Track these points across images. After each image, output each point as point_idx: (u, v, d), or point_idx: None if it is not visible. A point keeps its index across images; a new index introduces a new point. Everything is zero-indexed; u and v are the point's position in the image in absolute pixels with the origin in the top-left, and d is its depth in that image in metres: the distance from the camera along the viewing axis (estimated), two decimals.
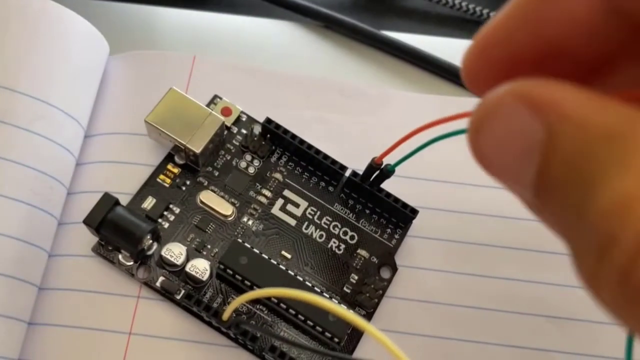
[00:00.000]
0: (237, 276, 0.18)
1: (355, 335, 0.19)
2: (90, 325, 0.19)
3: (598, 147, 0.08)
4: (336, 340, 0.18)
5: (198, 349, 0.19)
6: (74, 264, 0.20)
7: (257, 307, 0.19)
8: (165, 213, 0.20)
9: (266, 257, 0.19)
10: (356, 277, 0.20)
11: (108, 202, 0.18)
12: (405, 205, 0.20)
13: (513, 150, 0.09)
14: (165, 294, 0.19)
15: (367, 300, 0.20)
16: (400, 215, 0.21)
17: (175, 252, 0.19)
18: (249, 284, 0.19)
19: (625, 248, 0.08)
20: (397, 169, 0.19)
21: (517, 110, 0.09)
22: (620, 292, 0.08)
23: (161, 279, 0.19)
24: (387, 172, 0.19)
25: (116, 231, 0.18)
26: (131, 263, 0.19)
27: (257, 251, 0.19)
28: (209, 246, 0.20)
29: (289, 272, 0.19)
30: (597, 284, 0.08)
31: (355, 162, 0.21)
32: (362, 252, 0.21)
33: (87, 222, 0.18)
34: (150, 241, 0.19)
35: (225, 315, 0.17)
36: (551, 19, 0.10)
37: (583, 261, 0.08)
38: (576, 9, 0.10)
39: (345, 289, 0.20)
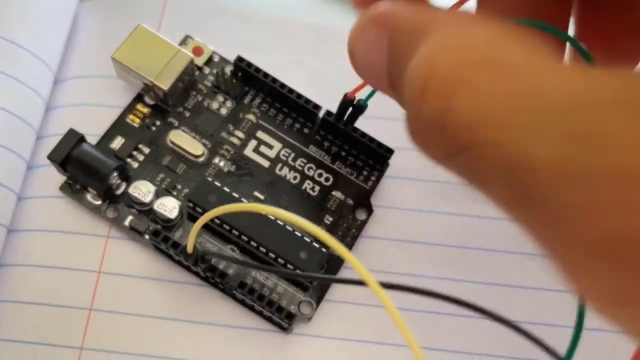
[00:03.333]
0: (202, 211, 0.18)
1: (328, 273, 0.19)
2: (60, 264, 0.19)
3: (412, 36, 0.11)
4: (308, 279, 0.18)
5: (168, 288, 0.19)
6: (42, 205, 0.19)
7: (230, 247, 0.19)
8: (135, 153, 0.20)
9: (237, 195, 0.18)
10: (331, 219, 0.20)
11: (73, 137, 0.18)
12: (380, 144, 0.20)
13: (374, 58, 0.12)
14: (134, 233, 0.19)
15: (341, 240, 0.19)
16: (376, 156, 0.20)
17: (143, 190, 0.19)
18: (218, 222, 0.18)
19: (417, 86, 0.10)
20: (374, 110, 0.19)
21: (370, 29, 0.12)
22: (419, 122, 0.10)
23: (130, 218, 0.19)
24: (360, 107, 0.19)
25: (82, 168, 0.18)
26: (99, 202, 0.19)
27: (228, 190, 0.18)
28: (179, 187, 0.19)
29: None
30: (414, 131, 0.11)
31: (331, 104, 0.21)
32: (337, 194, 0.20)
33: (51, 157, 0.18)
34: (119, 180, 0.19)
35: (189, 247, 0.16)
36: None
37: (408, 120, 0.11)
38: None
39: None
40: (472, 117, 0.09)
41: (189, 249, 0.16)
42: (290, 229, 0.18)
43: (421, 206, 0.21)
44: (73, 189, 0.19)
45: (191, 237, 0.16)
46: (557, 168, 0.08)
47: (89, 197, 0.19)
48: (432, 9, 0.11)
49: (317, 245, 0.18)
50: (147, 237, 0.19)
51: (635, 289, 0.08)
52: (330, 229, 0.20)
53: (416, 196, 0.21)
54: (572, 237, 0.08)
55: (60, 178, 0.19)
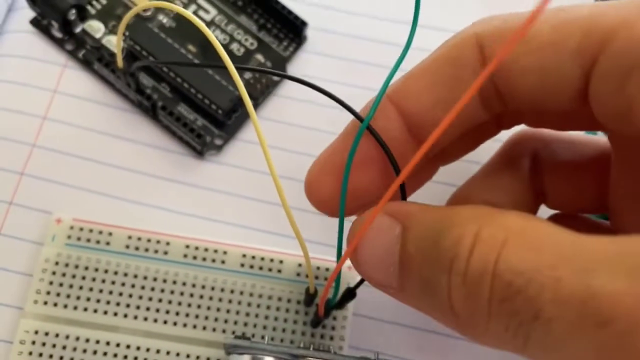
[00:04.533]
0: (143, 52, 0.22)
1: (241, 119, 0.24)
2: (16, 80, 0.23)
3: (436, 224, 0.13)
4: (220, 111, 0.22)
5: (108, 111, 0.23)
6: (16, 37, 0.24)
7: (163, 85, 0.23)
8: (94, 2, 0.24)
9: (170, 41, 0.23)
10: (250, 74, 0.24)
11: None
12: (296, 17, 0.24)
13: (382, 247, 0.14)
14: (86, 63, 0.23)
15: (255, 90, 0.24)
16: (293, 28, 0.24)
17: (95, 27, 0.23)
18: (151, 58, 0.23)
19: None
20: None
21: (380, 217, 0.14)
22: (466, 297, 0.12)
23: (84, 51, 0.23)
24: None
25: (46, 3, 0.22)
26: (60, 36, 0.23)
27: (163, 35, 0.23)
28: (127, 33, 0.24)
29: (189, 56, 0.23)
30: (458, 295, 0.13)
31: None
32: (259, 57, 0.24)
33: None
34: (78, 20, 0.23)
35: (119, 62, 0.21)
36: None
37: (445, 299, 0.13)
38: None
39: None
40: (526, 262, 0.11)
41: (119, 65, 0.21)
42: (211, 72, 0.23)
43: (338, 78, 0.25)
44: (41, 24, 0.23)
45: (118, 46, 0.20)
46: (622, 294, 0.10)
47: (52, 30, 0.23)
48: (443, 206, 0.15)
49: (232, 89, 0.23)
50: (95, 66, 0.23)
51: None
52: (247, 84, 0.24)
53: (334, 71, 0.25)
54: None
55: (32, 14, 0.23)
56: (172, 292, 0.20)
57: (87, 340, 0.20)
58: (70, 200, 0.22)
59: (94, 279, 0.20)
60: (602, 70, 0.14)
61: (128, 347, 0.20)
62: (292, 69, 0.25)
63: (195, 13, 0.24)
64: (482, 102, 0.16)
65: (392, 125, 0.16)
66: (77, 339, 0.20)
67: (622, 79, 0.13)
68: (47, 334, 0.20)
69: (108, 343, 0.20)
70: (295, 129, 0.24)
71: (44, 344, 0.20)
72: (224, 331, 0.20)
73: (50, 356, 0.19)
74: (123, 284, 0.20)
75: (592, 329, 0.11)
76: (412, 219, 0.14)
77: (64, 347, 0.20)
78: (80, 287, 0.20)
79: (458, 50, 0.15)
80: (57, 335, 0.20)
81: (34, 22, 0.23)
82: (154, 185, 0.23)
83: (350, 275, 0.21)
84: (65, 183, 0.22)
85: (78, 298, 0.20)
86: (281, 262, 0.21)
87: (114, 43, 0.23)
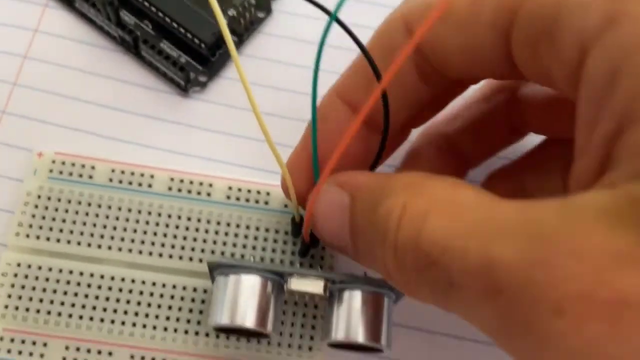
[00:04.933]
0: None
1: (225, 57, 0.23)
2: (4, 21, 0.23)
3: (375, 196, 0.14)
4: (203, 45, 0.22)
5: (92, 51, 0.23)
6: None
7: (145, 22, 0.23)
8: None
9: None
10: (234, 12, 0.24)
11: None
12: None
13: (335, 215, 0.15)
14: (67, 2, 0.23)
15: (239, 27, 0.23)
16: None
17: None
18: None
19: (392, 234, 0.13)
20: None
21: (332, 189, 0.16)
22: (397, 264, 0.13)
23: None
24: None
25: None
26: None
27: None
28: None
29: None
30: (389, 260, 0.14)
31: None
32: None
33: None
34: None
35: None
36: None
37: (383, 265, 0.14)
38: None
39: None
40: (441, 234, 0.12)
41: None
42: (194, 7, 0.22)
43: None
44: None
45: None
46: (520, 264, 0.11)
47: None
48: (385, 174, 0.16)
49: (215, 23, 0.22)
50: (77, 4, 0.23)
51: None
52: (231, 20, 0.23)
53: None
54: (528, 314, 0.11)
55: None
56: (156, 224, 0.20)
57: (71, 272, 0.19)
58: (52, 138, 0.22)
59: (76, 212, 0.20)
60: (516, 38, 0.14)
61: (112, 278, 0.19)
62: (277, 7, 0.24)
63: None
64: (424, 79, 0.16)
65: (345, 116, 0.17)
66: (60, 271, 0.19)
67: (533, 46, 0.13)
68: (29, 266, 0.19)
69: (92, 275, 0.19)
70: (280, 66, 0.24)
71: (26, 277, 0.19)
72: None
73: (33, 288, 0.19)
74: (107, 217, 0.20)
75: (492, 297, 0.11)
76: (358, 189, 0.15)
77: (47, 279, 0.19)
78: (63, 220, 0.20)
79: (388, 37, 0.16)
80: (40, 268, 0.19)
81: None
82: (138, 123, 0.22)
83: None
84: (48, 121, 0.22)
85: (61, 231, 0.20)
86: (268, 194, 0.21)
87: None
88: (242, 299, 0.17)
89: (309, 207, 0.17)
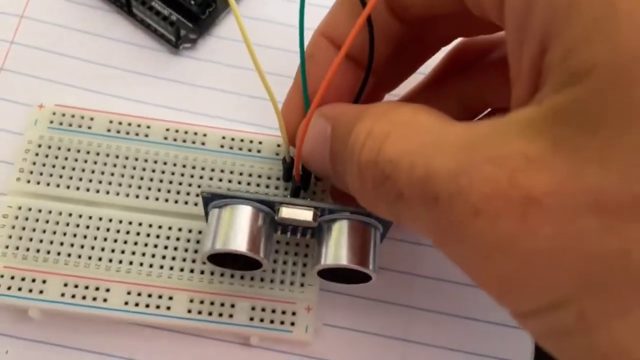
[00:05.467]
0: None
1: (215, 15, 0.24)
2: None
3: (350, 123, 0.15)
4: (193, 2, 0.23)
5: (84, 10, 0.24)
6: None
7: None
8: None
9: None
10: None
11: None
12: None
13: (319, 143, 0.17)
14: None
15: None
16: None
17: None
18: None
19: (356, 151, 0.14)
20: None
21: (318, 120, 0.17)
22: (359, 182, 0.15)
23: None
24: None
25: None
26: None
27: None
28: None
29: None
30: (355, 178, 0.15)
31: None
32: None
33: None
34: None
35: None
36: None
37: (351, 183, 0.15)
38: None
39: None
40: (395, 152, 0.13)
41: None
42: None
43: None
44: None
45: None
46: (451, 173, 0.12)
47: None
48: (363, 105, 0.16)
49: None
50: None
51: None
52: None
53: None
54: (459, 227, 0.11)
55: None
56: (153, 171, 0.21)
57: (70, 215, 0.20)
58: (49, 94, 0.22)
59: (75, 159, 0.21)
60: None
61: (110, 220, 0.20)
62: None
63: None
64: (392, 14, 0.17)
65: (331, 54, 0.18)
66: (60, 213, 0.20)
67: None
68: (30, 209, 0.20)
69: (90, 217, 0.20)
70: (273, 26, 0.25)
71: (27, 219, 0.20)
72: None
73: (34, 229, 0.20)
74: (104, 163, 0.21)
75: (430, 205, 0.12)
76: (337, 118, 0.16)
77: (47, 221, 0.20)
78: (63, 167, 0.21)
79: None
80: (40, 211, 0.20)
81: None
82: (131, 79, 0.23)
83: None
84: (44, 78, 0.23)
85: (60, 177, 0.20)
86: (260, 142, 0.22)
87: None
88: (235, 226, 0.18)
89: (298, 138, 0.18)
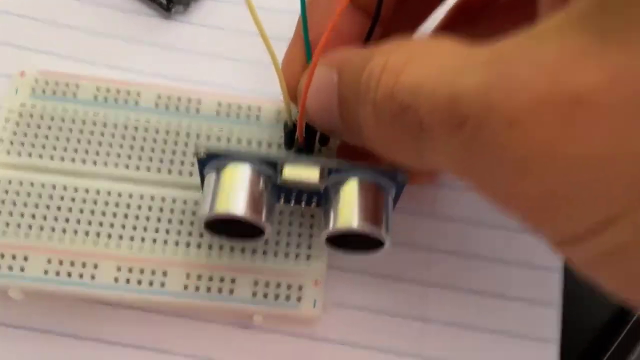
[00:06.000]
0: None
1: None
2: None
3: (360, 65, 0.14)
4: None
5: None
6: None
7: None
8: None
9: None
10: None
11: None
12: None
13: (324, 95, 0.15)
14: None
15: None
16: None
17: None
18: None
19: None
20: None
21: (322, 69, 0.15)
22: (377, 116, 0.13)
23: None
24: None
25: None
26: None
27: None
28: None
29: None
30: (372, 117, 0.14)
31: None
32: None
33: None
34: None
35: None
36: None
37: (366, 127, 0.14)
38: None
39: None
40: (413, 80, 0.12)
41: None
42: None
43: None
44: None
45: None
46: (480, 91, 0.10)
47: None
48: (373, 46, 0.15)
49: None
50: None
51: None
52: None
53: None
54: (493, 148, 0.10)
55: None
56: (143, 139, 0.19)
57: (54, 187, 0.18)
58: (31, 63, 0.21)
59: (60, 129, 0.19)
60: None
61: (98, 192, 0.18)
62: None
63: None
64: None
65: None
66: (43, 186, 0.18)
67: None
68: (10, 182, 0.18)
69: (76, 189, 0.18)
70: None
71: (6, 192, 0.18)
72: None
73: (14, 203, 0.18)
74: (91, 133, 0.19)
75: (457, 129, 0.11)
76: (344, 63, 0.15)
77: (29, 194, 0.18)
78: (46, 137, 0.19)
79: None
80: (21, 184, 0.18)
81: None
82: (121, 47, 0.22)
83: None
84: (27, 47, 0.21)
85: (43, 147, 0.19)
86: (259, 108, 0.20)
87: None
88: (234, 188, 0.16)
89: (301, 91, 0.16)
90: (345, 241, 0.17)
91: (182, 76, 0.21)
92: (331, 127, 0.16)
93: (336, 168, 0.16)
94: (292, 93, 0.17)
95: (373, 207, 0.16)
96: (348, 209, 0.16)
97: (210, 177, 0.16)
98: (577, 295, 0.21)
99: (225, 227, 0.17)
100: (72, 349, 0.18)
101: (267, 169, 0.16)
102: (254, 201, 0.16)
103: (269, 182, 0.17)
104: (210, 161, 0.16)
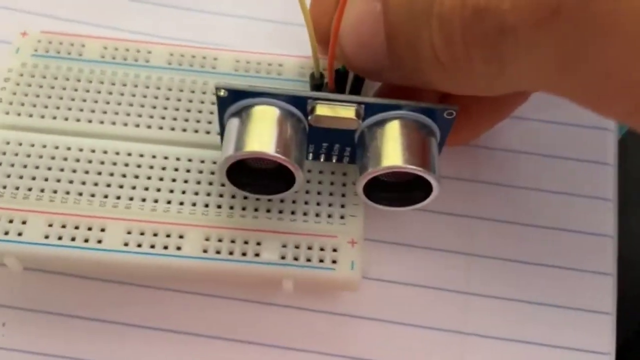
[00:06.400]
0: None
1: None
2: None
3: None
4: None
5: None
6: None
7: None
8: None
9: None
10: None
11: None
12: None
13: (365, 27, 0.14)
14: None
15: None
16: None
17: None
18: None
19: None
20: None
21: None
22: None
23: None
24: None
25: None
26: None
27: None
28: None
29: None
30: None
31: None
32: None
33: None
34: None
35: None
36: None
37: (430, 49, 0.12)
38: None
39: None
40: None
41: None
42: None
43: None
44: None
45: None
46: None
47: None
48: None
49: None
50: None
51: None
52: None
53: None
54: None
55: None
56: (155, 97, 0.17)
57: (57, 147, 0.16)
58: (33, 27, 0.19)
59: (63, 88, 0.17)
60: None
61: (105, 152, 0.17)
62: None
63: None
64: None
65: None
66: (44, 146, 0.16)
67: None
68: (8, 143, 0.16)
69: (81, 149, 0.17)
70: None
71: (4, 153, 0.16)
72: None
73: (12, 165, 0.16)
74: (98, 91, 0.17)
75: (548, 23, 0.10)
76: None
77: (29, 155, 0.16)
78: (49, 97, 0.17)
79: None
80: (20, 144, 0.16)
81: None
82: (127, 8, 0.21)
83: None
84: (26, 10, 0.20)
85: (46, 107, 0.17)
86: (280, 65, 0.18)
87: None
88: (261, 128, 0.14)
89: (334, 30, 0.14)
90: (385, 190, 0.15)
91: (195, 37, 0.20)
92: (375, 65, 0.14)
93: (374, 103, 0.14)
94: (322, 36, 0.16)
95: (419, 147, 0.14)
96: (391, 147, 0.14)
97: (233, 122, 0.15)
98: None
99: (249, 179, 0.15)
100: (75, 331, 0.16)
101: (297, 110, 0.15)
102: (284, 142, 0.14)
103: (298, 126, 0.15)
104: (233, 102, 0.15)
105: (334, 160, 0.16)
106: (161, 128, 0.17)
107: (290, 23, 0.18)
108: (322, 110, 0.14)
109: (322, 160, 0.16)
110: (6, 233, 0.15)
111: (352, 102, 0.14)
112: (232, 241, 0.16)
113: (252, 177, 0.15)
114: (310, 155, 0.16)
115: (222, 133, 0.15)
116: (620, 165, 0.19)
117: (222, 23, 0.20)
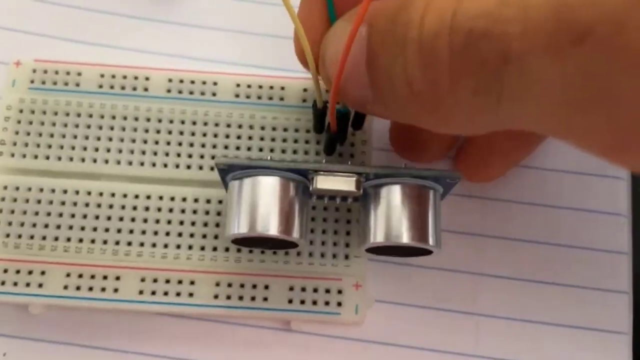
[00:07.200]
0: None
1: None
2: None
3: (394, 13, 0.12)
4: None
5: None
6: None
7: None
8: None
9: None
10: None
11: None
12: None
13: (353, 62, 0.12)
14: None
15: None
16: None
17: None
18: None
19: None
20: None
21: (344, 24, 0.13)
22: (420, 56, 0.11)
23: None
24: None
25: None
26: None
27: None
28: None
29: None
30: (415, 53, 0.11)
31: None
32: None
33: None
34: None
35: None
36: None
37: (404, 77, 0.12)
38: None
39: None
40: (483, 5, 0.10)
41: None
42: None
43: None
44: None
45: None
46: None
47: None
48: None
49: None
50: None
51: None
52: None
53: None
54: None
55: None
56: (157, 131, 0.17)
57: (65, 192, 0.17)
58: (26, 48, 0.19)
59: (65, 125, 0.17)
60: None
61: (112, 195, 0.17)
62: None
63: None
64: None
65: None
66: (53, 191, 0.17)
67: None
68: (17, 188, 0.17)
69: (89, 192, 0.17)
70: None
71: (15, 200, 0.17)
72: None
73: (24, 212, 0.17)
74: (99, 127, 0.17)
75: (569, 48, 0.09)
76: (374, 16, 0.12)
77: (39, 201, 0.17)
78: (51, 135, 0.17)
79: None
80: (29, 189, 0.17)
81: None
82: (122, 26, 0.19)
83: None
84: (19, 29, 0.19)
85: (49, 147, 0.17)
86: (282, 88, 0.18)
87: None
88: (262, 203, 0.14)
89: (337, 73, 0.13)
90: (388, 248, 0.15)
91: (192, 54, 0.19)
92: (361, 97, 0.13)
93: (375, 173, 0.14)
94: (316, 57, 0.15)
95: (418, 216, 0.14)
96: (390, 220, 0.14)
97: (234, 187, 0.15)
98: None
99: (255, 241, 0.15)
100: None
101: (297, 176, 0.15)
102: (285, 217, 0.14)
103: (299, 187, 0.15)
104: (233, 171, 0.15)
105: (338, 201, 0.16)
106: (165, 166, 0.17)
107: (286, 37, 0.17)
108: (322, 183, 0.14)
109: (326, 201, 0.17)
110: (28, 285, 0.16)
111: (352, 173, 0.14)
112: (241, 285, 0.16)
113: (257, 242, 0.15)
114: (314, 197, 0.16)
115: (225, 188, 0.15)
116: (634, 180, 0.19)
117: (218, 38, 0.19)
